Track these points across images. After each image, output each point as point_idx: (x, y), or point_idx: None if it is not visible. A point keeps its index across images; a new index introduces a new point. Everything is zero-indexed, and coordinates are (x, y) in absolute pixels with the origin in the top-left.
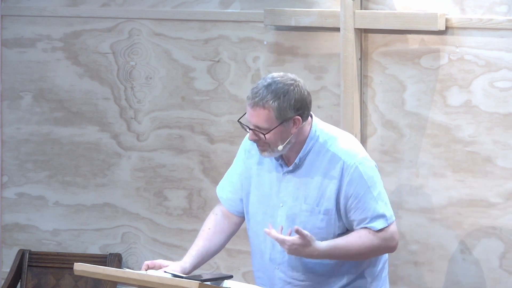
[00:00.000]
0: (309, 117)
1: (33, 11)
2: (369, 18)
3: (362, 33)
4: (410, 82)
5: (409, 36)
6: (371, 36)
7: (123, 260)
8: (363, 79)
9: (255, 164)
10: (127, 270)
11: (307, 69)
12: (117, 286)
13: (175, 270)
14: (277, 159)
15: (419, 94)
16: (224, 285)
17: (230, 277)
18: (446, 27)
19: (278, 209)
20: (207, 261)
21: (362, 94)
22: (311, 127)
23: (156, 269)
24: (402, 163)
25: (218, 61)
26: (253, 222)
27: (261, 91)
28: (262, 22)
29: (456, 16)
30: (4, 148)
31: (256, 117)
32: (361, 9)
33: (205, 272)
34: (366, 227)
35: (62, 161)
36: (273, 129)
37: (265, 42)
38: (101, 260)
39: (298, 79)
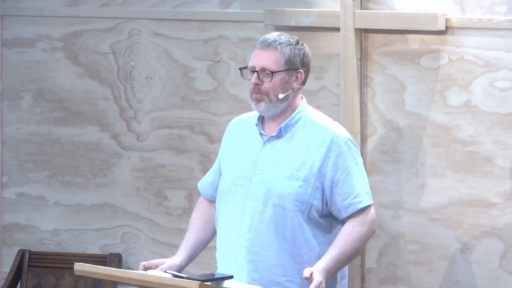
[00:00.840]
0: (301, 97)
1: (33, 11)
2: (369, 18)
3: (362, 33)
4: (410, 82)
5: (409, 36)
6: (371, 36)
7: (123, 260)
8: (363, 79)
9: (240, 145)
10: (127, 270)
11: None
12: (117, 286)
13: (172, 266)
14: (259, 128)
15: (419, 94)
16: (224, 285)
17: (230, 277)
18: (446, 27)
19: (253, 177)
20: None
21: (362, 94)
22: (301, 103)
23: (154, 269)
24: (402, 163)
25: (218, 61)
26: (225, 196)
27: (274, 35)
28: (262, 22)
29: (456, 16)
30: (4, 148)
31: (266, 58)
32: (361, 9)
33: (205, 272)
34: (348, 220)
35: (62, 161)
36: (280, 71)
37: None
38: (101, 260)
39: None
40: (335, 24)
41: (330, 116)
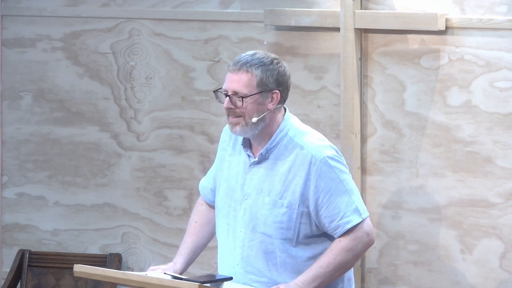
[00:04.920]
0: (283, 110)
1: (33, 11)
2: (369, 18)
3: (362, 33)
4: (410, 82)
5: (409, 36)
6: (371, 36)
7: (123, 260)
8: (363, 79)
9: (228, 156)
10: (127, 272)
11: (307, 69)
12: (117, 286)
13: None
14: (245, 149)
15: (419, 94)
16: (223, 287)
17: (229, 279)
18: (446, 27)
19: (242, 202)
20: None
21: (362, 94)
22: (283, 119)
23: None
24: (402, 163)
25: (218, 61)
26: (219, 215)
27: (245, 57)
28: (262, 22)
29: (456, 16)
30: (4, 148)
31: (237, 81)
32: (361, 9)
33: (205, 273)
34: (336, 234)
35: (62, 161)
36: (252, 95)
37: (265, 42)
38: (101, 260)
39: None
40: (335, 24)
41: (330, 116)
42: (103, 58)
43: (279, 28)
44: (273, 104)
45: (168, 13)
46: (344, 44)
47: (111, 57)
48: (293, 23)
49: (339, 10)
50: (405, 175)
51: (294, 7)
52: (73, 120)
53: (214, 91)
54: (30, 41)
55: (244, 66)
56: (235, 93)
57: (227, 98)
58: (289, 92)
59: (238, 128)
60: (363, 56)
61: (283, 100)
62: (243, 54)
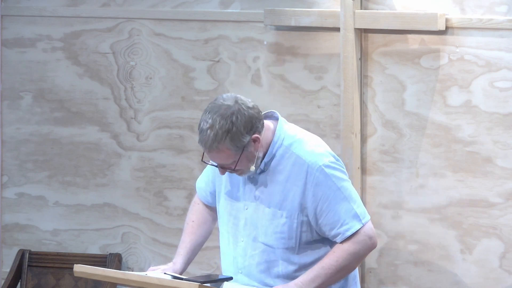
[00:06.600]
0: (272, 122)
1: (33, 11)
2: (369, 18)
3: (362, 33)
4: (410, 82)
5: (409, 36)
6: (371, 36)
7: (123, 260)
8: (363, 79)
9: None
10: (127, 272)
11: (307, 69)
12: (117, 286)
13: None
14: None
15: (419, 94)
16: (223, 287)
17: (229, 279)
18: (446, 27)
19: (243, 211)
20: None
21: (362, 94)
22: (274, 130)
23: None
24: (402, 163)
25: (218, 61)
26: (221, 222)
27: (207, 136)
28: (262, 22)
29: (456, 16)
30: (4, 148)
31: (217, 158)
32: (361, 9)
33: (205, 273)
34: (337, 240)
35: (62, 161)
36: (238, 160)
37: (265, 42)
38: (101, 260)
39: (238, 97)
40: (335, 24)
41: (330, 116)
42: (103, 58)
43: (279, 28)
44: (258, 143)
45: (168, 13)
46: (344, 44)
47: (111, 57)
48: (293, 23)
49: (339, 10)
50: (405, 175)
51: (294, 7)
52: (73, 120)
53: (202, 160)
54: (30, 41)
55: (213, 145)
56: (222, 165)
57: (219, 168)
58: (289, 92)
59: (244, 175)
60: (363, 56)
61: (261, 129)
62: (204, 127)
